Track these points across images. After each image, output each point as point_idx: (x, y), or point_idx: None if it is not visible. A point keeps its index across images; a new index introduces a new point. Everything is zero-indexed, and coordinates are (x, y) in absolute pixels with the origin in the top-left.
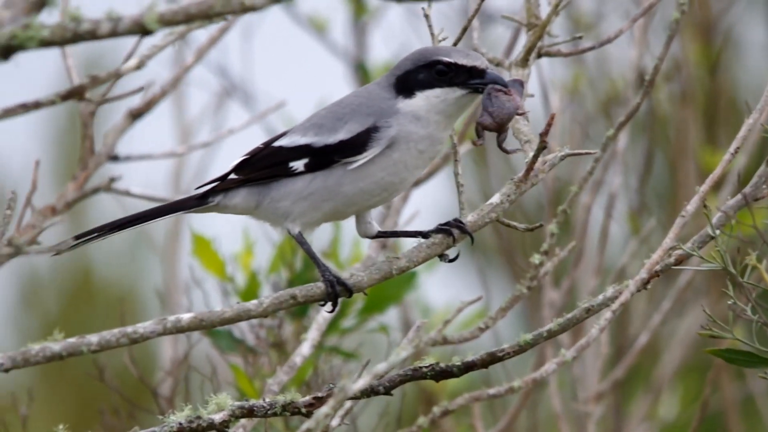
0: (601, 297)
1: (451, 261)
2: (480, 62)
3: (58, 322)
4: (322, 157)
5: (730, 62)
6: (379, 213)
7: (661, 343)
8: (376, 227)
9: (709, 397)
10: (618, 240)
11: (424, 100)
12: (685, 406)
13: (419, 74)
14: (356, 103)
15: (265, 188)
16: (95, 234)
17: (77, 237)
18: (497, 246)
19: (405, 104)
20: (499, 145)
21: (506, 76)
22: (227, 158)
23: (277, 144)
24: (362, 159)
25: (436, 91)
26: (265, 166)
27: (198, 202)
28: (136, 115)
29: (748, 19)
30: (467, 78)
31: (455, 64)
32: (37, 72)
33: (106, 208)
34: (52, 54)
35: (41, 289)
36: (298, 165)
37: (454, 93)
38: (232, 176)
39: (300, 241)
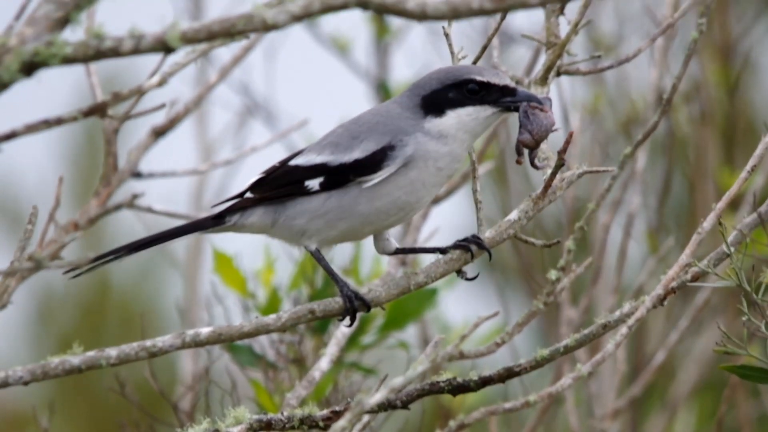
0: (617, 313)
1: (469, 280)
2: (510, 81)
3: (76, 337)
4: (337, 176)
5: (748, 84)
6: (399, 230)
7: (678, 361)
8: (395, 244)
9: (724, 414)
10: (636, 259)
11: (455, 118)
12: (701, 423)
13: (449, 93)
14: (373, 121)
15: (280, 207)
16: (114, 255)
17: (96, 258)
18: (516, 263)
19: (434, 123)
20: (532, 162)
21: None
22: (248, 176)
23: (293, 163)
24: (377, 178)
25: (468, 110)
26: (280, 185)
27: (214, 223)
28: (159, 132)
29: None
30: (499, 96)
31: (488, 83)
32: (56, 88)
33: (127, 225)
34: (70, 71)
35: (59, 305)
36: (314, 184)
37: (485, 111)
38: (248, 195)
39: (317, 257)
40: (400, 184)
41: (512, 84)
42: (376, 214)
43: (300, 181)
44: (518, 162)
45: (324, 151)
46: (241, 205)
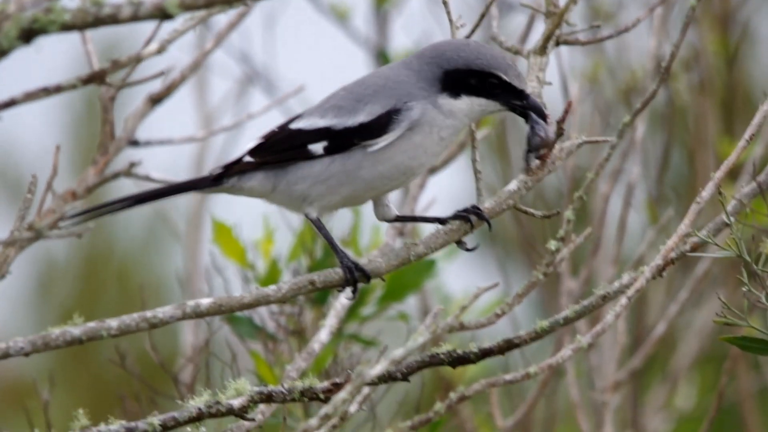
0: (617, 284)
1: (469, 250)
2: (527, 87)
3: (77, 308)
4: (341, 140)
5: (746, 54)
6: (397, 200)
7: (678, 333)
8: (395, 211)
9: (725, 387)
10: (636, 229)
11: (468, 104)
12: (702, 395)
13: (471, 79)
14: (379, 84)
15: (281, 171)
16: (107, 207)
17: (93, 209)
18: (516, 234)
19: (447, 102)
20: (528, 163)
21: (524, 63)
22: (248, 143)
23: (294, 126)
24: (382, 142)
25: (481, 100)
26: (282, 149)
27: (212, 183)
28: (156, 100)
29: (765, 13)
30: (512, 98)
31: (509, 84)
32: (53, 57)
33: (125, 193)
34: (70, 39)
35: (59, 276)
36: (317, 148)
37: (495, 106)
38: (248, 159)
39: (318, 225)
40: (403, 148)
41: (528, 89)
42: (379, 178)
43: (303, 145)
44: (528, 171)
45: (327, 115)
46: (240, 168)
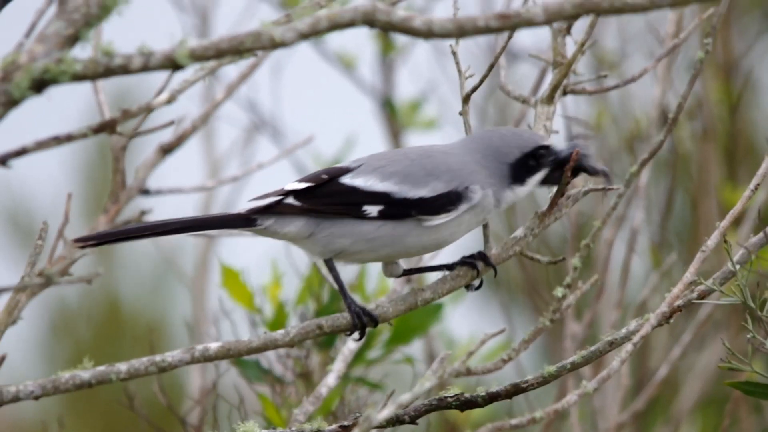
0: (624, 330)
1: (476, 289)
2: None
3: (87, 351)
4: (398, 208)
5: (749, 102)
6: None
7: (681, 375)
8: (402, 266)
9: (727, 429)
10: (639, 274)
11: (533, 183)
12: None
13: (529, 161)
14: (448, 163)
15: (326, 222)
16: (133, 234)
17: (117, 234)
18: (521, 280)
19: (516, 192)
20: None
21: (531, 113)
22: (255, 192)
23: (350, 183)
24: (439, 220)
25: (539, 175)
26: (336, 203)
27: (244, 223)
28: (167, 149)
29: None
30: (552, 156)
31: (548, 147)
32: (67, 105)
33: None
34: (81, 88)
35: (71, 320)
36: (372, 210)
37: (544, 173)
38: (292, 202)
39: (330, 267)
40: (451, 225)
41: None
42: (419, 247)
43: (358, 204)
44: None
45: (389, 180)
46: (280, 210)
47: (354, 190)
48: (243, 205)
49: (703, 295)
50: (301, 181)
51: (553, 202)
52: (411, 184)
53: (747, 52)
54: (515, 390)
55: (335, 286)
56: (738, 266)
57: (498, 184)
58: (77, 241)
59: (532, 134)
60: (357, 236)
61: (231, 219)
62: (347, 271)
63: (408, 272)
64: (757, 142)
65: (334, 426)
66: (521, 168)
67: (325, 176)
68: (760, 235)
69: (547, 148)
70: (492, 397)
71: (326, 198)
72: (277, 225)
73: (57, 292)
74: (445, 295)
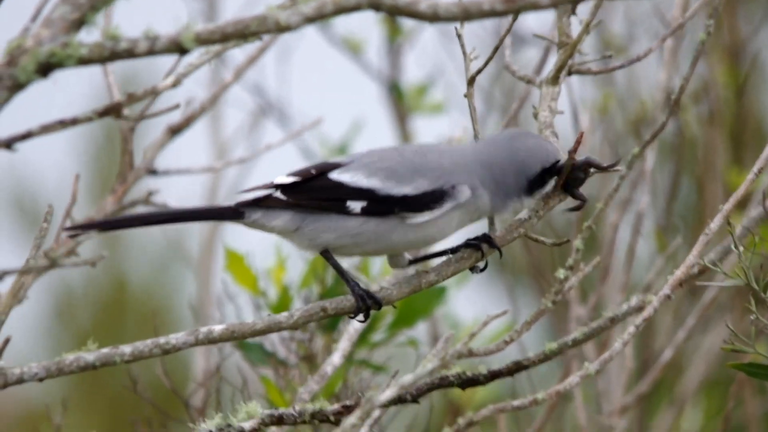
0: (625, 306)
1: (480, 271)
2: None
3: (92, 333)
4: (382, 205)
5: (755, 85)
6: None
7: (686, 358)
8: (407, 257)
9: (731, 411)
10: (644, 257)
11: (540, 194)
12: (708, 419)
13: (545, 175)
14: (440, 162)
15: (311, 217)
16: (125, 224)
17: (108, 223)
18: (526, 262)
19: (525, 202)
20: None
21: (536, 93)
22: (262, 174)
23: (336, 178)
24: (422, 218)
25: (546, 188)
26: (321, 198)
27: (234, 215)
28: (175, 130)
29: None
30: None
31: (559, 160)
32: (72, 89)
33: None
34: (89, 71)
35: (75, 302)
36: (356, 206)
37: (551, 186)
38: (279, 196)
39: (327, 257)
40: (438, 223)
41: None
42: (405, 244)
43: (342, 200)
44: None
45: (374, 176)
46: (267, 204)
47: (339, 186)
48: (240, 194)
49: (702, 270)
50: (290, 175)
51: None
52: (396, 181)
53: (753, 35)
54: (517, 367)
55: (337, 272)
56: (740, 247)
57: (506, 192)
58: (67, 230)
59: (554, 148)
60: (341, 231)
61: (221, 211)
62: None
63: (414, 261)
64: (764, 126)
65: (336, 406)
66: (536, 182)
67: (313, 171)
68: (760, 210)
69: (559, 161)
70: (494, 375)
71: (312, 193)
72: (265, 218)
73: (62, 275)
74: (450, 277)
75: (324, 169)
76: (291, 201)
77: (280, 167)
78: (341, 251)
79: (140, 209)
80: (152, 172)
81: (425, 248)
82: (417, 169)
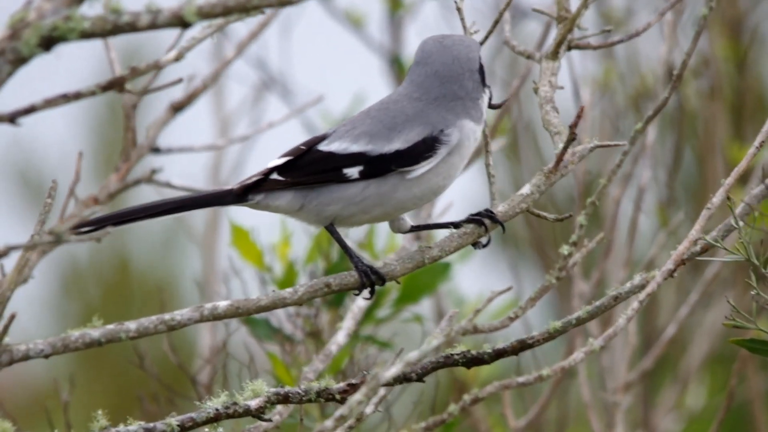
0: (628, 285)
1: (483, 246)
2: None
3: (98, 310)
4: (377, 165)
5: (756, 59)
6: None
7: (689, 334)
8: (409, 222)
9: (735, 387)
10: (647, 232)
11: (486, 96)
12: (712, 396)
13: (482, 67)
14: (408, 111)
15: (312, 192)
16: (128, 218)
17: (112, 218)
18: (528, 238)
19: (486, 93)
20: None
21: (536, 68)
22: (265, 151)
23: (325, 149)
24: (421, 169)
25: (487, 88)
26: (316, 171)
27: (236, 199)
28: (177, 108)
29: None
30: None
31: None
32: (76, 64)
33: (146, 200)
34: (91, 47)
35: (81, 278)
36: (353, 172)
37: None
38: (277, 177)
39: (331, 231)
40: (440, 170)
41: None
42: (412, 199)
43: (337, 168)
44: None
45: (360, 140)
46: (268, 186)
47: (331, 156)
48: (237, 180)
49: (705, 248)
50: (282, 156)
51: (559, 159)
52: (383, 140)
53: (753, 8)
54: (521, 346)
55: (341, 247)
56: (741, 221)
57: (472, 97)
58: (78, 228)
59: (471, 39)
60: (345, 201)
61: (223, 195)
62: (356, 230)
63: (416, 228)
64: (765, 100)
65: (342, 384)
66: (482, 67)
67: (303, 147)
68: (761, 187)
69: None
70: (498, 354)
71: (306, 167)
72: (268, 200)
73: (67, 251)
74: (453, 252)
75: (312, 143)
76: (289, 180)
77: (283, 143)
78: (350, 221)
79: (143, 189)
80: (155, 149)
81: (434, 199)
82: (394, 126)
